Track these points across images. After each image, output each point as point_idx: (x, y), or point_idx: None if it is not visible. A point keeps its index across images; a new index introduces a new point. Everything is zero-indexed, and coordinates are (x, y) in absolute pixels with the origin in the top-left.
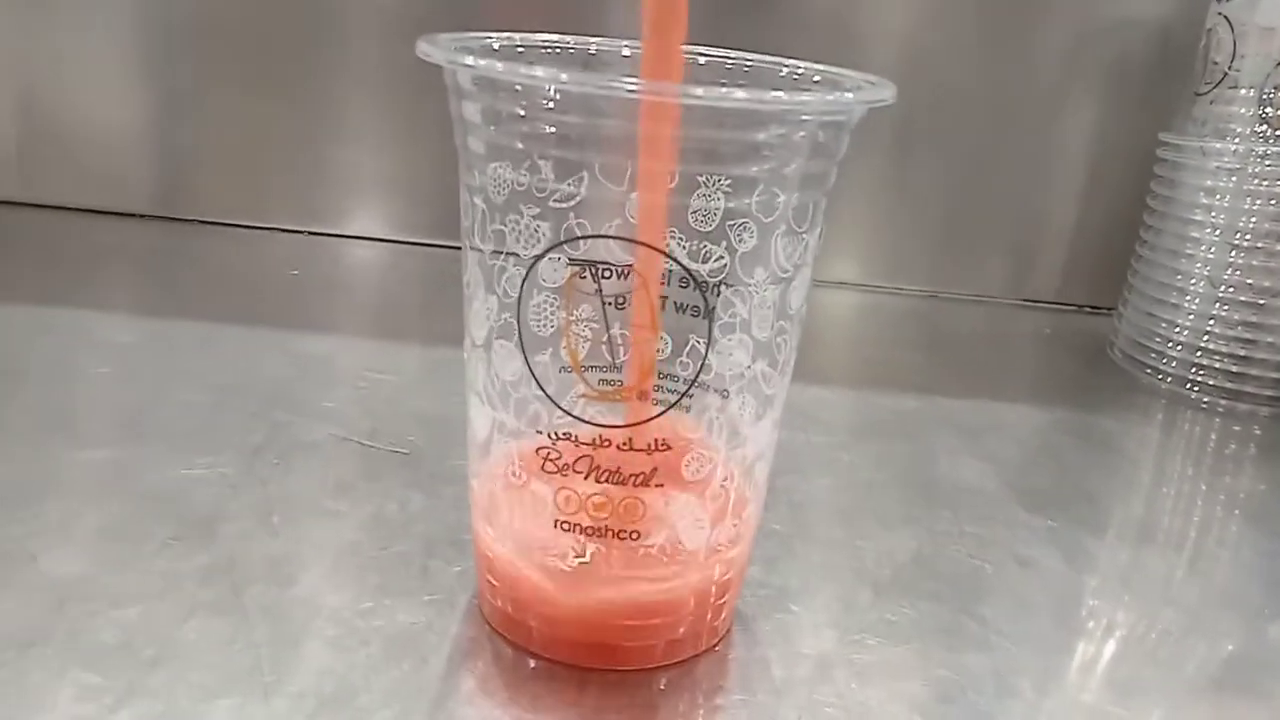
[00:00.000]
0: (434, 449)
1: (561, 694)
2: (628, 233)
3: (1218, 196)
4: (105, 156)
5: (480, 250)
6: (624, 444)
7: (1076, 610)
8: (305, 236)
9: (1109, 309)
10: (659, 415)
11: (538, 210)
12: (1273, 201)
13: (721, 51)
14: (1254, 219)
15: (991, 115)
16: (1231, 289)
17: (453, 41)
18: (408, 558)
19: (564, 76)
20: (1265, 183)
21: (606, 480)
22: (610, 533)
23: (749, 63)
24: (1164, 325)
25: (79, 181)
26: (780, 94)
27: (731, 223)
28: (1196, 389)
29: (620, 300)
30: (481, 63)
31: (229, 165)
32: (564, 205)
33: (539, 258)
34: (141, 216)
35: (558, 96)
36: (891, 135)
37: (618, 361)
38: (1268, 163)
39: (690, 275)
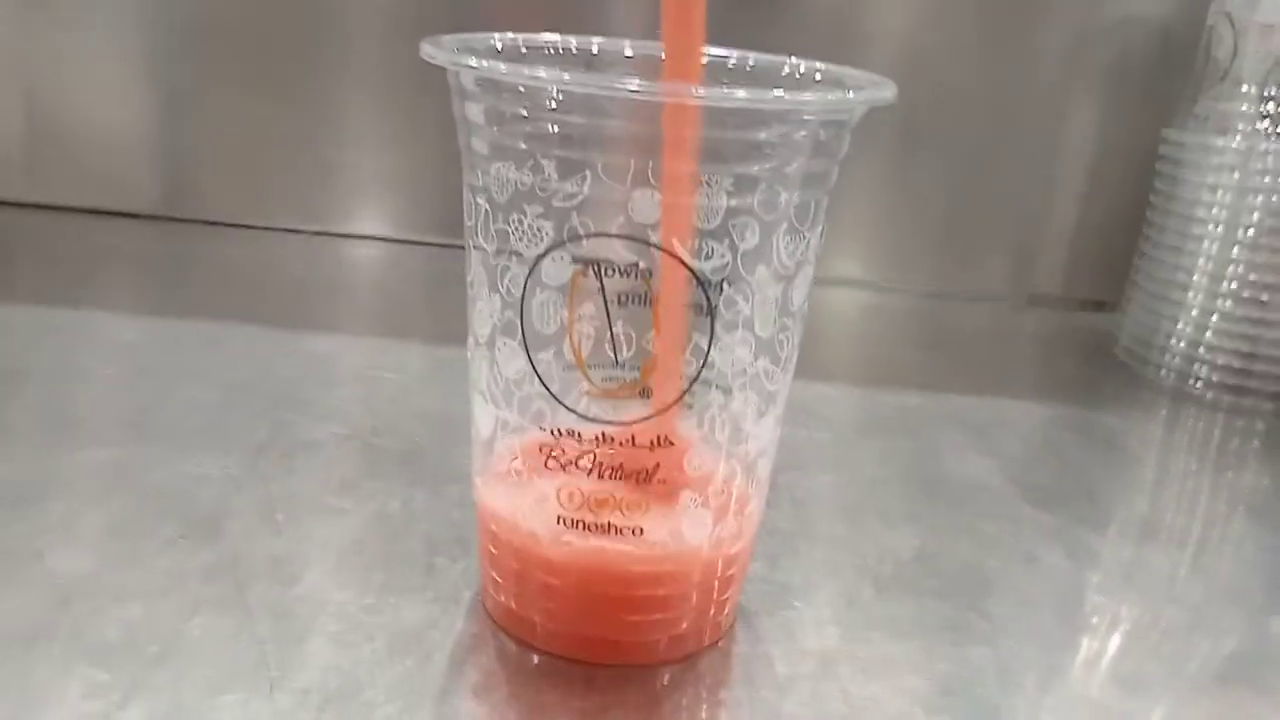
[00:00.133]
0: (438, 447)
1: (565, 689)
2: (633, 231)
3: (1220, 193)
4: (108, 157)
5: (484, 249)
6: (626, 441)
7: (1080, 606)
8: (308, 236)
9: (1112, 306)
10: (662, 412)
11: (541, 209)
12: (1275, 197)
13: (724, 50)
14: (1256, 215)
15: (993, 113)
16: (1234, 285)
17: (456, 43)
18: (411, 555)
19: (567, 77)
20: (1267, 179)
21: (609, 477)
22: (613, 529)
23: (751, 62)
24: (1167, 322)
25: (82, 182)
26: (782, 93)
27: (734, 221)
28: (1199, 385)
29: (624, 298)
30: (485, 64)
31: (232, 165)
32: (567, 204)
33: (542, 256)
34: (145, 217)
35: (561, 97)
36: (893, 134)
37: (620, 359)
38: (1270, 159)
39: (693, 273)
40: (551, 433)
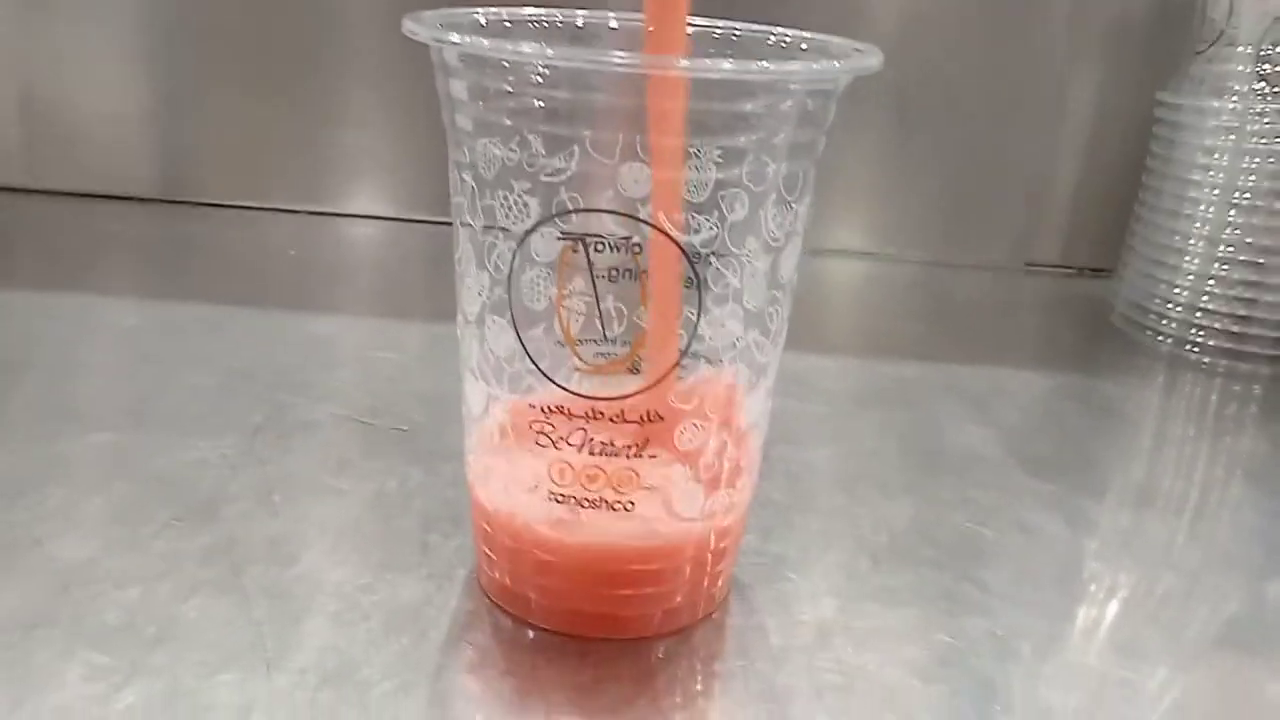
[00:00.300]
0: (434, 426)
1: (560, 664)
2: (622, 207)
3: (1216, 156)
4: (106, 142)
5: (471, 226)
6: (616, 416)
7: (1078, 574)
8: (306, 216)
9: (1110, 273)
10: (652, 387)
11: (528, 185)
12: (1271, 159)
13: (709, 21)
14: (1253, 177)
15: (991, 80)
16: (1231, 248)
17: (438, 18)
18: (407, 533)
19: (551, 52)
20: (1263, 141)
21: (600, 452)
22: (605, 504)
23: (737, 32)
24: (1163, 286)
25: (80, 167)
26: (767, 64)
27: (723, 193)
28: (1197, 350)
29: (613, 273)
30: (468, 39)
31: (229, 148)
32: (554, 180)
33: (529, 232)
34: (143, 201)
35: (546, 72)
36: (891, 103)
37: (610, 334)
38: (1266, 121)
39: (681, 247)
40: (542, 409)
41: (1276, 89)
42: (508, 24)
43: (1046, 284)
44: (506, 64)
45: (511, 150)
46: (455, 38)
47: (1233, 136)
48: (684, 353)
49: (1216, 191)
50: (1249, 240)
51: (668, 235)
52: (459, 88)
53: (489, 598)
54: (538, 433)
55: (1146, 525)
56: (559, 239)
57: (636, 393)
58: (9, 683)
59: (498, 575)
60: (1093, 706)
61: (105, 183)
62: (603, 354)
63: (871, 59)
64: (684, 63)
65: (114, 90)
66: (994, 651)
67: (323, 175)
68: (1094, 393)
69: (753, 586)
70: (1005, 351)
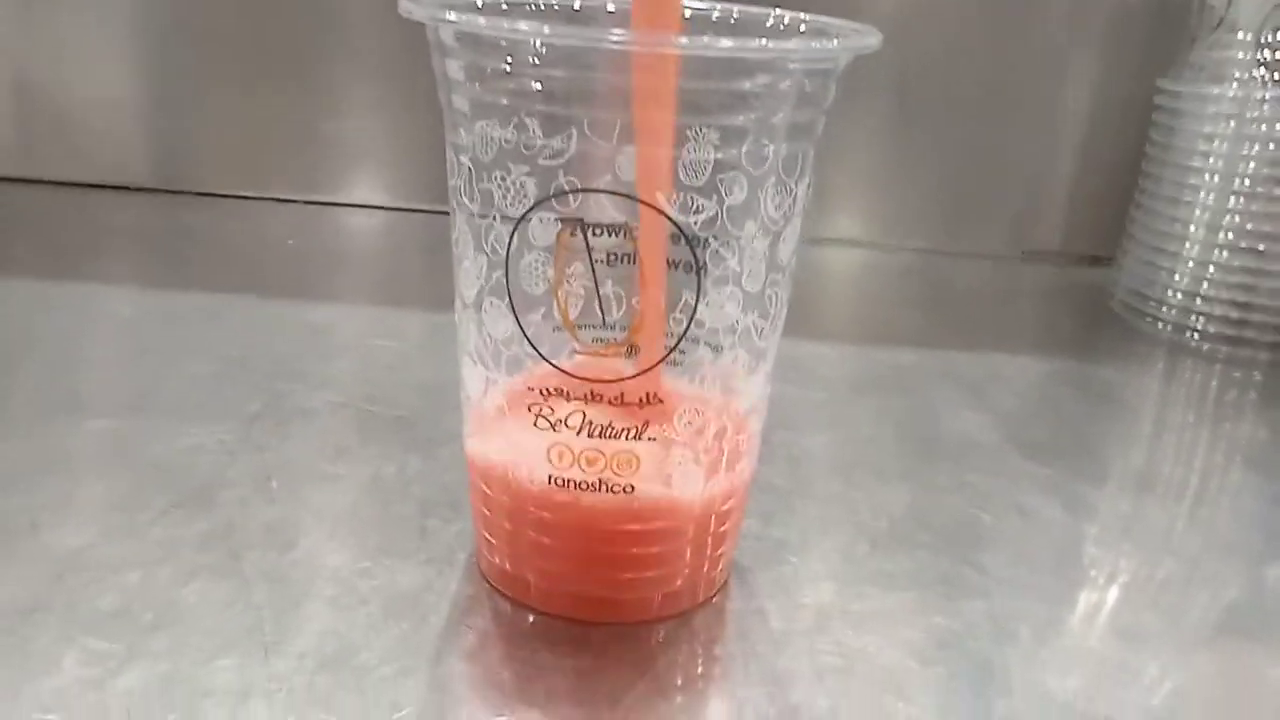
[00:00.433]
0: (432, 413)
1: (560, 648)
2: (620, 188)
3: (1216, 142)
4: (102, 131)
5: (468, 209)
6: (616, 399)
7: (1076, 559)
8: (304, 206)
9: (1109, 261)
10: (650, 369)
11: (526, 168)
12: (1271, 146)
13: (708, 3)
14: (1252, 164)
15: (990, 66)
16: (1231, 235)
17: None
18: (406, 519)
19: (548, 30)
20: (1263, 127)
21: (599, 435)
22: (604, 486)
23: (735, 13)
24: (1163, 274)
25: (76, 157)
26: (766, 42)
27: (721, 175)
28: (1196, 336)
29: (612, 257)
30: (464, 18)
31: (226, 137)
32: (553, 162)
33: (527, 215)
34: (140, 190)
35: (543, 51)
36: (890, 90)
37: (609, 319)
38: (1266, 107)
39: (680, 229)
40: (540, 392)
41: (1276, 75)
42: (504, 4)
43: (1046, 272)
44: (503, 43)
45: (509, 132)
46: (451, 16)
47: (1233, 123)
48: (683, 336)
49: (1216, 178)
50: (1249, 227)
51: (666, 215)
52: (455, 68)
53: (488, 582)
54: (537, 415)
55: (1146, 510)
56: (557, 222)
57: (634, 375)
58: (6, 669)
59: (497, 560)
60: (1091, 690)
61: (102, 172)
62: (601, 338)
63: (870, 38)
64: (682, 40)
65: (110, 79)
66: (992, 635)
67: (320, 165)
68: (1093, 379)
69: (752, 570)
70: (1004, 338)
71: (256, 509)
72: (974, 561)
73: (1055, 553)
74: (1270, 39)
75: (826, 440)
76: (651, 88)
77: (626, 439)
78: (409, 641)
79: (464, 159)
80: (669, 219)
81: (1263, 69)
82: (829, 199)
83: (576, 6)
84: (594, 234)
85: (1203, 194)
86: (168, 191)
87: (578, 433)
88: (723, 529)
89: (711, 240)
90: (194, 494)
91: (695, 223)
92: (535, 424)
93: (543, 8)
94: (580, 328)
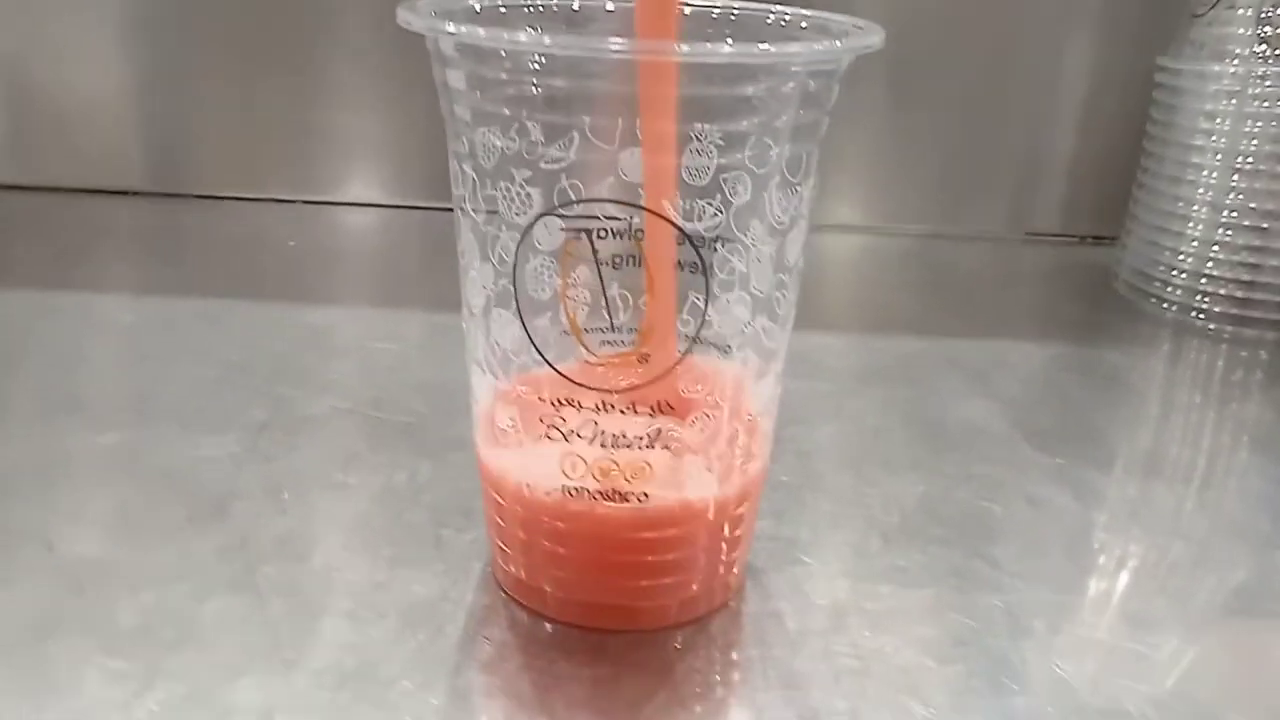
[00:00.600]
0: (440, 417)
1: (578, 657)
2: (623, 193)
3: (1218, 120)
4: (96, 135)
5: (473, 218)
6: (627, 407)
7: (1087, 547)
8: (300, 205)
9: (1111, 240)
10: (661, 377)
11: (529, 174)
12: (1273, 123)
13: (706, 1)
14: (1255, 141)
15: (987, 46)
16: (1234, 213)
17: (433, 6)
18: (419, 528)
19: (548, 41)
20: (1265, 104)
21: (612, 445)
22: (618, 495)
23: (735, 11)
24: (1167, 253)
25: (71, 161)
26: (768, 47)
27: (725, 176)
28: (1202, 316)
29: (618, 260)
30: (464, 29)
31: (221, 138)
32: (555, 167)
33: (532, 223)
34: (136, 194)
35: (543, 60)
36: (886, 72)
37: (617, 323)
38: (1267, 84)
39: (685, 234)
40: (552, 402)
41: (1278, 51)
42: (503, 9)
43: (1048, 253)
44: (504, 53)
45: (511, 139)
46: (451, 28)
47: (1234, 101)
48: (693, 340)
49: (1219, 156)
50: (1252, 205)
51: (670, 222)
52: (456, 77)
53: (504, 591)
54: (549, 426)
55: (1154, 495)
56: (562, 228)
57: (646, 383)
58: (28, 688)
59: (513, 569)
60: (1109, 682)
61: (96, 177)
62: (610, 343)
63: (873, 37)
64: (684, 48)
65: (103, 83)
66: (1008, 629)
67: (316, 163)
68: (1098, 362)
69: (766, 571)
70: (1008, 323)
71: (269, 521)
72: (986, 554)
73: (1066, 541)
74: (1270, 15)
75: (834, 433)
76: (655, 96)
77: (639, 447)
78: (427, 654)
79: (467, 167)
80: (676, 227)
81: (1263, 45)
82: (826, 184)
83: (575, 7)
84: (599, 237)
85: (1205, 173)
86: (162, 195)
87: (590, 442)
88: (737, 533)
89: (718, 243)
90: (206, 506)
91: (701, 227)
92: (548, 435)
93: (541, 9)
94: (587, 332)
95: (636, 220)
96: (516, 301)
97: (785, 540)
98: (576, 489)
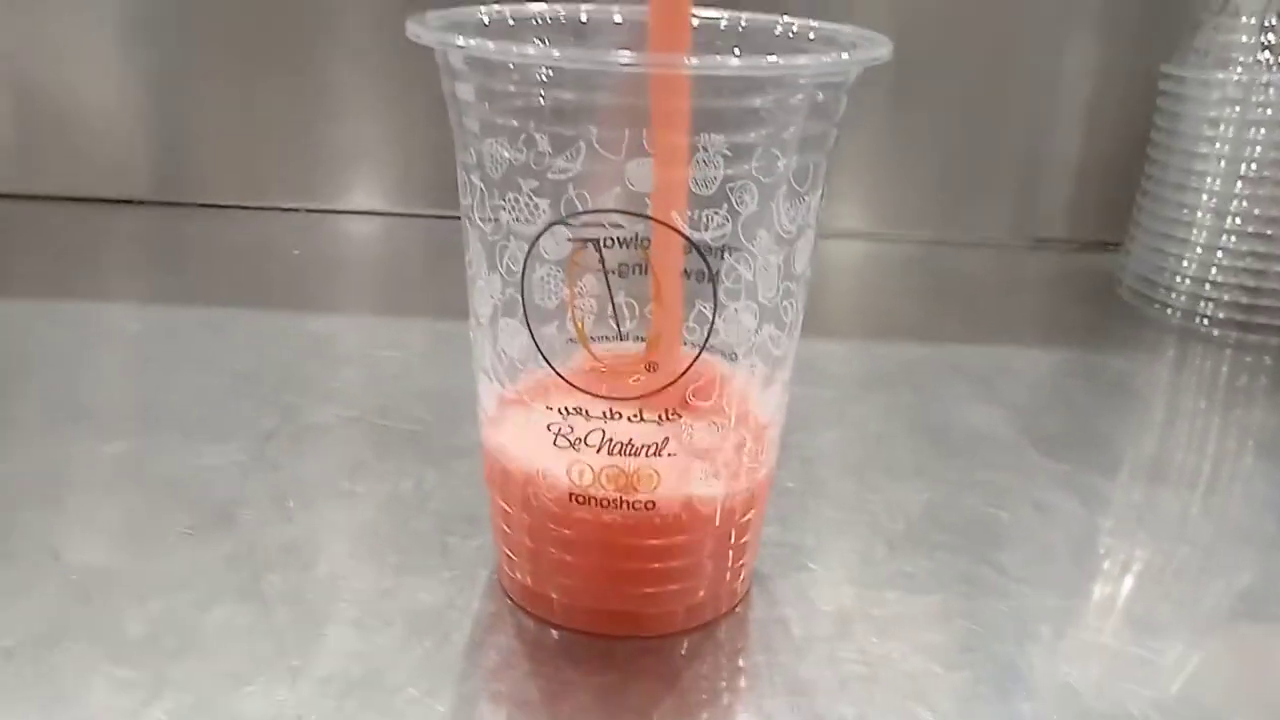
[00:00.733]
0: (445, 424)
1: (585, 664)
2: (630, 203)
3: (1221, 127)
4: (101, 144)
5: (481, 228)
6: (635, 415)
7: (1093, 552)
8: (304, 214)
9: (1116, 246)
10: (668, 385)
11: (536, 184)
12: (1277, 131)
13: (715, 12)
14: (1259, 148)
15: (990, 53)
16: (1238, 220)
17: (442, 20)
18: (425, 535)
19: (558, 53)
20: (1269, 111)
21: (619, 452)
22: (625, 503)
23: (743, 23)
24: (1171, 259)
25: (75, 171)
26: (776, 59)
27: (732, 186)
28: (1206, 322)
29: (624, 268)
30: (473, 42)
31: (225, 146)
32: (562, 178)
33: (540, 232)
34: (140, 203)
35: (552, 72)
36: (889, 78)
37: (624, 331)
38: (1271, 91)
39: (693, 243)
40: (559, 410)
41: None
42: (511, 22)
43: (1052, 259)
44: (513, 66)
45: (519, 150)
46: (460, 41)
47: (1238, 108)
48: (700, 349)
49: (1223, 163)
50: (1256, 211)
51: (679, 232)
52: (465, 90)
53: (511, 599)
54: (556, 434)
55: (1160, 500)
56: (570, 238)
57: (653, 391)
58: (36, 697)
59: (519, 576)
60: (1113, 684)
61: (101, 186)
62: (616, 350)
63: (881, 49)
64: (692, 61)
65: (106, 91)
66: (1014, 635)
67: (320, 171)
68: (1103, 368)
69: (772, 577)
70: (1012, 329)
71: (276, 529)
72: (992, 560)
73: (1072, 547)
74: (1274, 23)
75: (838, 439)
76: (668, 110)
77: (646, 455)
78: (434, 661)
79: (475, 178)
80: (683, 236)
81: (1267, 53)
82: (829, 190)
83: (583, 19)
84: (606, 246)
85: (1209, 179)
86: (167, 204)
87: (598, 450)
88: (744, 540)
89: (725, 252)
90: (212, 514)
91: (709, 237)
92: (555, 443)
93: (549, 22)
94: (594, 340)
95: (643, 229)
96: (524, 310)
97: (791, 546)
98: (584, 496)
